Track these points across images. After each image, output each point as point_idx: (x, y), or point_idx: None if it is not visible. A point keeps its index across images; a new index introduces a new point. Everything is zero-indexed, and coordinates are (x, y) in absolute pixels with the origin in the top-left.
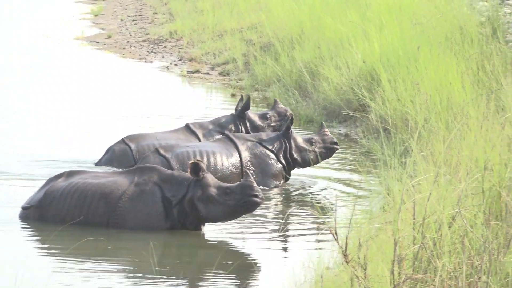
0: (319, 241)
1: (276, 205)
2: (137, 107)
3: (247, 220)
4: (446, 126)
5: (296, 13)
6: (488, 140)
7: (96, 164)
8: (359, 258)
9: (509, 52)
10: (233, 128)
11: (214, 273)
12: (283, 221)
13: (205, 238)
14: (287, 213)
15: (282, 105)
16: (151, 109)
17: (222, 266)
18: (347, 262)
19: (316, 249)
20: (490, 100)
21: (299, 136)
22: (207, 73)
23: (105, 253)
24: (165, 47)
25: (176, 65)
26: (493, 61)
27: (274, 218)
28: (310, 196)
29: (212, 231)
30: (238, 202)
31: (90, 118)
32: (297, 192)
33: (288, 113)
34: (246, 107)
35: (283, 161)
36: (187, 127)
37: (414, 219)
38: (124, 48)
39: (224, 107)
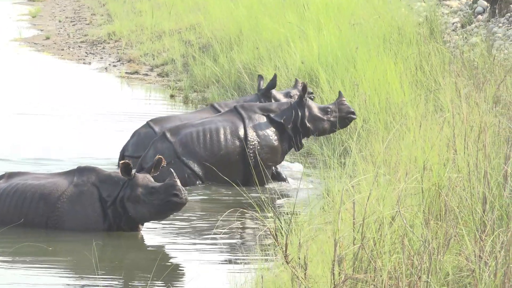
0: (259, 241)
1: (217, 205)
2: (74, 106)
3: (186, 220)
4: (385, 126)
5: (234, 14)
6: (427, 140)
7: (123, 148)
8: (299, 259)
9: (447, 52)
10: None
11: (153, 275)
12: (223, 222)
13: (144, 238)
14: (227, 213)
15: (303, 83)
16: (88, 108)
17: (162, 268)
18: (287, 262)
19: (256, 249)
20: (429, 100)
21: (315, 105)
22: (146, 74)
23: (46, 255)
24: (103, 48)
25: (114, 66)
26: (431, 61)
27: (214, 218)
28: (250, 196)
29: (150, 231)
30: (162, 202)
31: (27, 117)
32: (237, 192)
33: (297, 89)
34: (272, 85)
35: (290, 132)
36: (213, 106)
37: (354, 219)
38: (62, 50)
39: (163, 109)
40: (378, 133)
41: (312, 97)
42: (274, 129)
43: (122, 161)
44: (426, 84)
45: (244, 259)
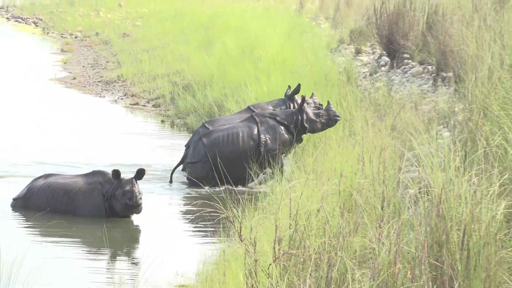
0: (222, 226)
1: (190, 200)
2: (93, 126)
3: (166, 211)
4: (313, 145)
5: (208, 63)
6: (343, 156)
7: (186, 144)
8: (250, 239)
9: (359, 93)
10: (283, 108)
11: (144, 250)
12: (194, 214)
13: (139, 225)
14: (197, 204)
15: (316, 97)
16: (102, 128)
17: (146, 244)
18: (241, 240)
19: (220, 233)
20: (345, 127)
21: (310, 110)
22: (144, 105)
23: (69, 233)
24: (114, 86)
25: (121, 99)
26: (347, 99)
27: (187, 211)
28: (218, 190)
29: (144, 219)
30: (127, 203)
31: (59, 136)
32: (203, 190)
33: (312, 100)
34: (296, 91)
35: (293, 130)
36: (249, 108)
37: (290, 211)
38: (85, 87)
39: (156, 129)
40: (309, 150)
41: (320, 106)
42: (280, 128)
43: (114, 169)
44: (344, 116)
45: (211, 239)
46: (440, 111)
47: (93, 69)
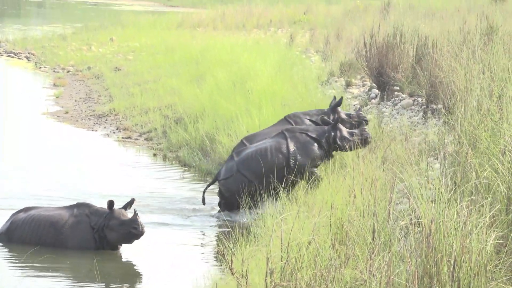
0: (214, 257)
1: (182, 232)
2: (84, 161)
3: (160, 239)
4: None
5: (199, 97)
6: (334, 188)
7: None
8: (242, 271)
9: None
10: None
11: (139, 280)
12: (186, 245)
13: (129, 258)
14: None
15: (361, 112)
16: (95, 162)
17: (138, 276)
18: (232, 274)
19: (212, 264)
20: (336, 159)
21: (344, 129)
22: (136, 139)
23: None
24: (106, 120)
25: (114, 133)
26: None
27: (178, 243)
28: (209, 223)
29: (134, 252)
30: (126, 231)
31: (51, 169)
32: (197, 217)
33: (357, 114)
34: (339, 104)
35: (325, 145)
36: (285, 119)
37: (281, 243)
38: (77, 121)
39: (148, 162)
40: (300, 182)
41: (366, 122)
42: (311, 143)
43: (109, 200)
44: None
45: (203, 271)
46: (430, 143)
47: (85, 103)
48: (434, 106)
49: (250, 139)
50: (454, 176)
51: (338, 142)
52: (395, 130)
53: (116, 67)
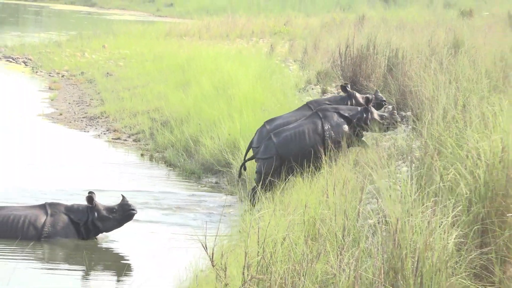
0: (196, 251)
1: (167, 225)
2: (77, 158)
3: (143, 233)
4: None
5: (184, 101)
6: (309, 188)
7: (250, 142)
8: (221, 264)
9: None
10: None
11: (126, 270)
12: (171, 239)
13: (117, 249)
14: (173, 230)
15: (379, 93)
16: (86, 159)
17: (121, 268)
18: (213, 266)
19: (193, 257)
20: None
21: (375, 112)
22: (125, 140)
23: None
24: (97, 122)
25: (104, 134)
26: None
27: (165, 233)
28: (192, 218)
29: (121, 243)
30: (123, 215)
31: (45, 166)
32: (181, 213)
33: (375, 95)
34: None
35: (355, 125)
36: (307, 105)
37: (258, 239)
38: (70, 122)
39: (136, 162)
40: (278, 183)
41: (384, 102)
42: (342, 121)
43: (88, 194)
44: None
45: (185, 264)
46: (399, 147)
47: (78, 106)
48: (404, 113)
49: (271, 122)
50: (420, 179)
51: (369, 124)
52: (366, 135)
53: (108, 73)
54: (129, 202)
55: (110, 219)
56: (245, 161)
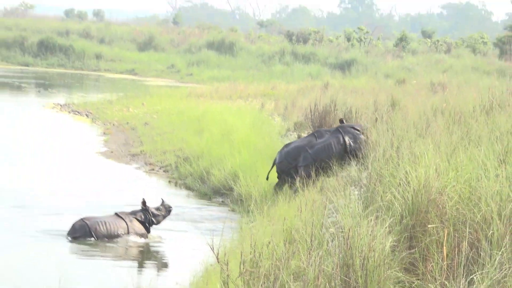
0: (206, 251)
1: (187, 231)
2: (122, 184)
3: (169, 238)
4: (268, 199)
5: (200, 143)
6: (288, 205)
7: (274, 160)
8: (224, 260)
9: None
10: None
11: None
12: (189, 240)
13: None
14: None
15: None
16: (130, 186)
17: (141, 260)
18: (218, 262)
19: (204, 255)
20: (290, 187)
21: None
22: (158, 171)
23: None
24: (138, 157)
25: (143, 166)
26: None
27: (186, 238)
28: (204, 227)
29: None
30: (165, 212)
31: (101, 190)
32: (199, 224)
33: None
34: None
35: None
36: (313, 134)
37: (251, 242)
38: (118, 158)
39: (165, 186)
40: (267, 202)
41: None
42: (360, 136)
43: (142, 200)
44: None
45: (198, 259)
46: (352, 177)
47: (124, 146)
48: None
49: (288, 145)
50: (366, 200)
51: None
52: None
53: (145, 123)
54: (168, 203)
55: (159, 215)
56: (269, 172)
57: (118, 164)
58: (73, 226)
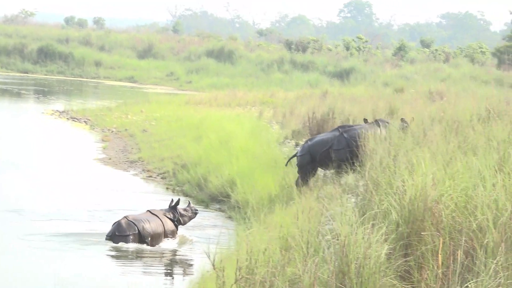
0: (202, 257)
1: (187, 236)
2: (120, 191)
3: (166, 244)
4: (265, 207)
5: (198, 150)
6: (284, 212)
7: (296, 152)
8: (220, 267)
9: (296, 173)
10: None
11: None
12: (186, 246)
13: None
14: (189, 241)
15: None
16: (128, 192)
17: (144, 261)
18: (214, 268)
19: (201, 261)
20: (284, 193)
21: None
22: (155, 177)
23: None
24: (136, 164)
25: (141, 173)
26: (289, 176)
27: (180, 245)
28: (201, 234)
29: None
30: (192, 213)
31: (100, 195)
32: (197, 230)
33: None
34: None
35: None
36: (337, 129)
37: (247, 249)
38: (116, 164)
39: (162, 193)
40: (263, 209)
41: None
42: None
43: (177, 199)
44: (287, 188)
45: (196, 266)
46: (349, 185)
47: (122, 153)
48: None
49: (312, 139)
50: (363, 208)
51: None
52: (327, 175)
53: (144, 129)
54: (195, 206)
55: (186, 216)
56: (289, 159)
57: (116, 170)
58: (119, 224)
